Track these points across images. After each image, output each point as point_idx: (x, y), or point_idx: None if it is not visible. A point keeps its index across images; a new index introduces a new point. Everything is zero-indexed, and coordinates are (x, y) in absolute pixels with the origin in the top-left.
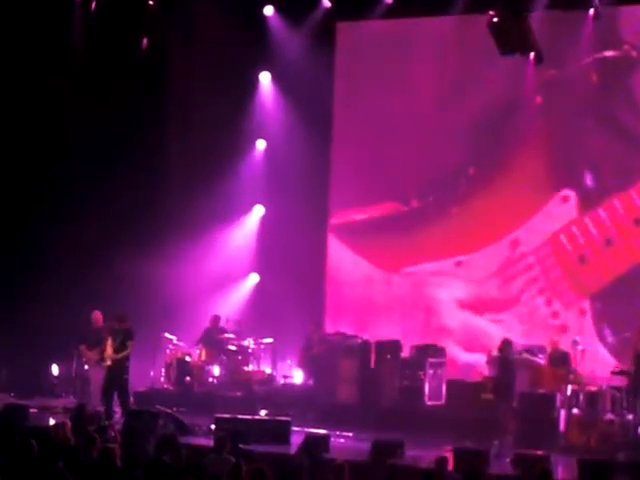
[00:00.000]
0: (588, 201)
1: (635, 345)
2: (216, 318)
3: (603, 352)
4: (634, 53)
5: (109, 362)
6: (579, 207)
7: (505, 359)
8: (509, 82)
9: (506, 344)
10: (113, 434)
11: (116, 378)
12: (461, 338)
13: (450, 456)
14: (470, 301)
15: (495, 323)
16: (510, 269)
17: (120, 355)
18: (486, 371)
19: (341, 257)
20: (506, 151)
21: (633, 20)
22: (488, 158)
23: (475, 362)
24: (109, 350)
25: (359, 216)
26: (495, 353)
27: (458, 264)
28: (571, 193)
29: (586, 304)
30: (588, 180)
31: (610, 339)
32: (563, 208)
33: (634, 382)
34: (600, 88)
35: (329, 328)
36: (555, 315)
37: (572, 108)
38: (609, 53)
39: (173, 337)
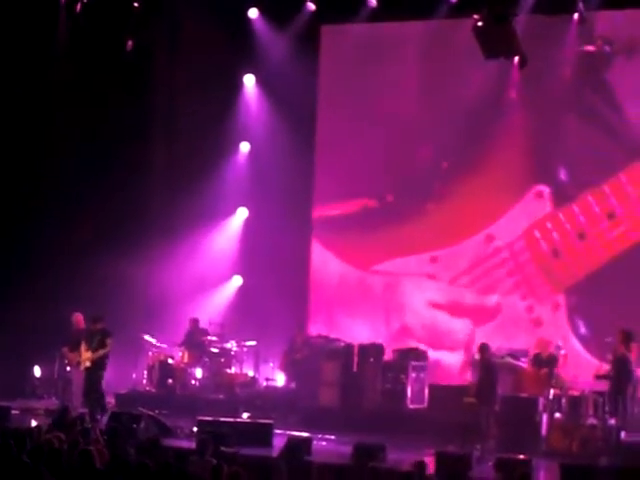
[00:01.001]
0: (562, 196)
1: (615, 349)
2: (195, 321)
3: (577, 346)
4: (607, 48)
5: (88, 363)
6: (553, 202)
7: (485, 363)
8: (484, 79)
9: (484, 348)
10: (96, 436)
11: (94, 378)
12: (430, 336)
13: (432, 460)
14: (443, 298)
15: (470, 317)
16: (485, 264)
17: (100, 352)
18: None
19: (325, 258)
20: (481, 147)
21: (607, 17)
22: (463, 154)
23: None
24: (85, 353)
25: (336, 212)
26: (477, 357)
27: (433, 259)
28: (545, 189)
29: (560, 298)
30: (562, 175)
31: (584, 333)
32: (537, 203)
33: (615, 386)
34: (574, 84)
35: (313, 330)
36: (530, 309)
37: (546, 104)
38: (583, 49)
39: (152, 339)
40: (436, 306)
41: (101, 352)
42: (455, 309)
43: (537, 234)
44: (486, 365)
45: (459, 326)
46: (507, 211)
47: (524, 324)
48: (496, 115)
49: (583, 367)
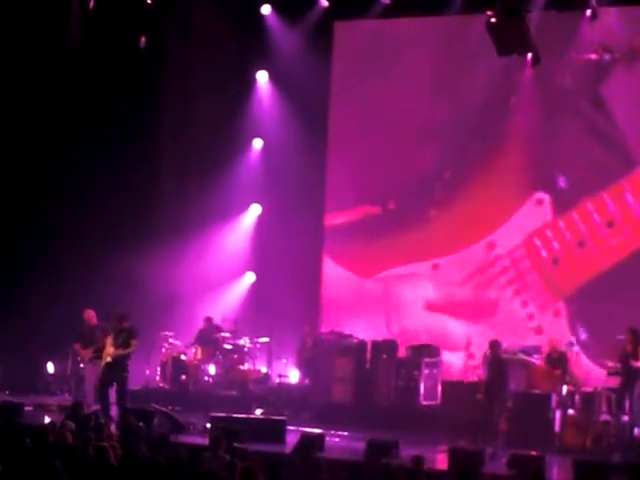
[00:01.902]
0: (562, 204)
1: (624, 346)
2: (209, 320)
3: (579, 353)
4: (607, 56)
5: (109, 359)
6: (553, 210)
7: (495, 360)
8: (486, 85)
9: (494, 345)
10: (109, 432)
11: (115, 375)
12: (434, 339)
13: (445, 456)
14: (445, 303)
15: (471, 325)
16: (486, 271)
17: (122, 352)
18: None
19: (334, 264)
20: (482, 154)
21: (605, 23)
22: (464, 161)
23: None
24: (109, 348)
25: (341, 220)
26: (487, 353)
27: (435, 267)
28: (545, 196)
29: (561, 306)
30: (562, 183)
31: (585, 340)
32: (538, 211)
33: (623, 384)
34: (575, 91)
35: (325, 327)
36: (530, 317)
37: (547, 111)
38: (582, 56)
39: (170, 333)
40: (437, 310)
41: (122, 351)
42: (457, 315)
43: (537, 242)
44: (496, 362)
45: (461, 330)
46: (508, 219)
47: (525, 331)
48: (496, 121)
49: (602, 371)
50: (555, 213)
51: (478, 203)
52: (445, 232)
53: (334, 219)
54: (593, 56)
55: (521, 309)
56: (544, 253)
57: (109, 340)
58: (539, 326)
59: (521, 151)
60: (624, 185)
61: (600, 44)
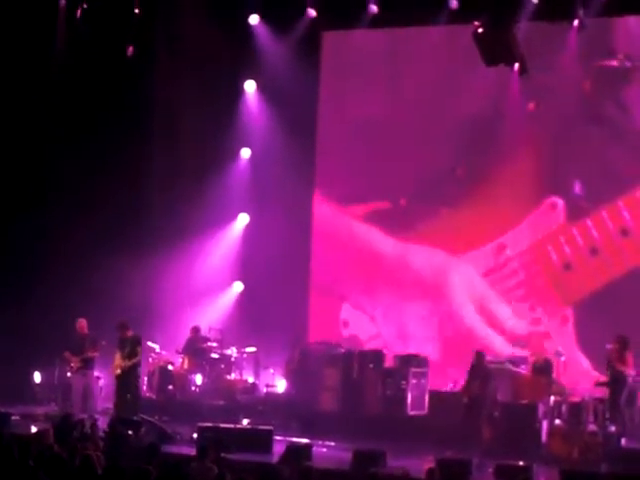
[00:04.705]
0: (576, 209)
1: (609, 355)
2: (196, 329)
3: (584, 361)
4: (628, 63)
5: (118, 371)
6: (567, 215)
7: (478, 369)
8: (501, 87)
9: (479, 356)
10: (95, 442)
11: (127, 385)
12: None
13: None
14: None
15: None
16: (495, 273)
17: (130, 362)
18: None
19: (326, 264)
20: (497, 155)
21: (626, 30)
22: (478, 161)
23: None
24: (118, 360)
25: (344, 216)
26: (473, 364)
27: None
28: (559, 201)
29: (569, 312)
30: (577, 189)
31: (592, 348)
32: (551, 215)
33: (611, 393)
34: (592, 97)
35: (313, 337)
36: (537, 321)
37: (564, 116)
38: (603, 63)
39: (155, 346)
40: None
41: (134, 360)
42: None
43: (549, 247)
44: (478, 372)
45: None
46: (520, 221)
47: (532, 336)
48: (511, 123)
49: (590, 381)
50: (568, 218)
51: (491, 204)
52: (456, 231)
53: (335, 215)
54: (614, 62)
55: (529, 313)
56: (555, 258)
57: (117, 353)
58: (546, 331)
59: (537, 154)
60: (639, 193)
61: (619, 50)
